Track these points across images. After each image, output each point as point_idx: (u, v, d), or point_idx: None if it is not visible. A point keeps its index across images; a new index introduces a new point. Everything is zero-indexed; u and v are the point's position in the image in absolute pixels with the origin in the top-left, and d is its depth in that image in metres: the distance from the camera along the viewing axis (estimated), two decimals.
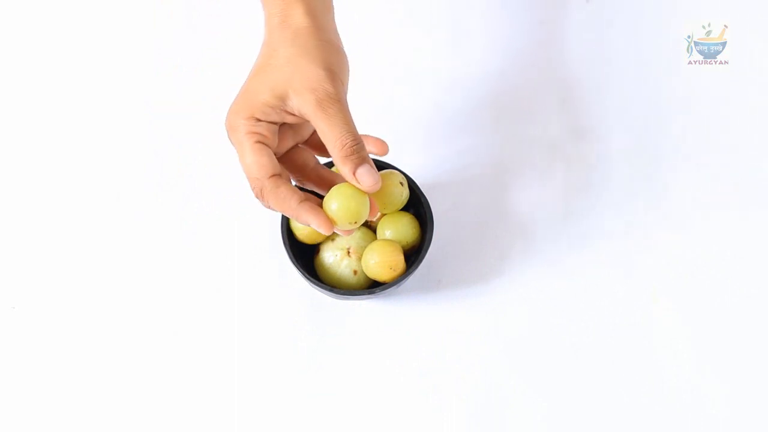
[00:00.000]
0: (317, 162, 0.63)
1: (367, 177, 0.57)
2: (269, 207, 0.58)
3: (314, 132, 0.62)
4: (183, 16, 0.84)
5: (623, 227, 0.76)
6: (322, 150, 0.63)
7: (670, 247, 0.75)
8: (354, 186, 0.58)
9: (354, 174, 0.56)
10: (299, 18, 0.58)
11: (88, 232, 0.75)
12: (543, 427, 0.69)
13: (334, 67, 0.57)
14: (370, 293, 0.66)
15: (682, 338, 0.72)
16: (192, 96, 0.80)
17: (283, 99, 0.57)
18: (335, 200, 0.58)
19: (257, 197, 0.58)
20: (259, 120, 0.57)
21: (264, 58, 0.59)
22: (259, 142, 0.57)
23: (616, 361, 0.71)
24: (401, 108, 0.80)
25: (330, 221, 0.57)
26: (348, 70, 0.59)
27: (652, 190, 0.78)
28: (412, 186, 0.69)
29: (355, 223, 0.58)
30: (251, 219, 0.75)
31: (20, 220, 0.75)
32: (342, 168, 0.56)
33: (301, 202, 0.56)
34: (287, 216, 0.59)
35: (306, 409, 0.70)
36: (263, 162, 0.56)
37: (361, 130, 0.67)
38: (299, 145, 0.62)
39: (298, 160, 0.62)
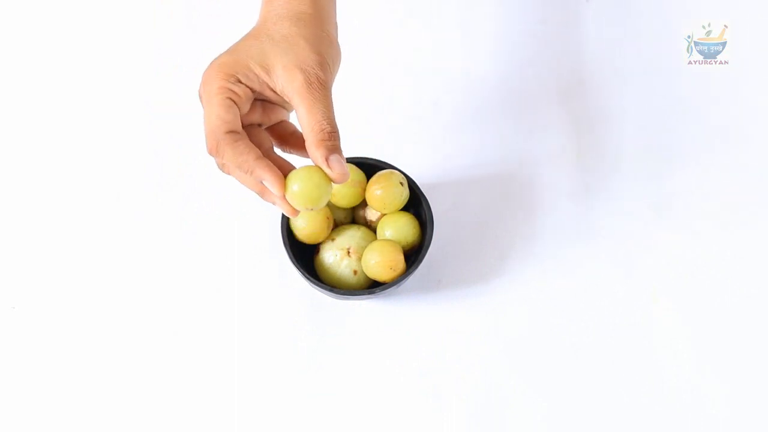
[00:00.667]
0: (272, 146, 0.61)
1: (338, 164, 0.55)
2: (223, 166, 0.56)
3: (281, 122, 0.61)
4: (183, 16, 0.84)
5: (623, 227, 0.76)
6: (283, 141, 0.61)
7: (670, 247, 0.75)
8: (320, 171, 0.56)
9: (326, 159, 0.55)
10: (304, 4, 0.58)
11: (88, 232, 0.75)
12: (543, 427, 0.69)
13: (327, 57, 0.57)
14: (370, 293, 0.66)
15: (682, 338, 0.72)
16: (192, 96, 0.79)
17: (269, 71, 0.56)
18: (298, 181, 0.56)
19: (211, 153, 0.55)
20: (240, 81, 0.56)
21: (262, 25, 0.58)
22: (230, 98, 0.55)
23: (616, 361, 0.71)
24: (402, 108, 0.80)
25: (283, 185, 0.55)
26: (338, 67, 0.59)
27: (651, 190, 0.78)
28: (412, 186, 0.69)
29: (311, 208, 0.57)
30: (251, 219, 0.75)
31: (20, 220, 0.75)
32: (315, 152, 0.55)
33: (258, 158, 0.55)
34: (242, 174, 0.56)
35: (306, 409, 0.70)
36: (228, 118, 0.55)
37: (362, 129, 0.68)
38: (260, 125, 0.61)
39: (254, 138, 0.59)
